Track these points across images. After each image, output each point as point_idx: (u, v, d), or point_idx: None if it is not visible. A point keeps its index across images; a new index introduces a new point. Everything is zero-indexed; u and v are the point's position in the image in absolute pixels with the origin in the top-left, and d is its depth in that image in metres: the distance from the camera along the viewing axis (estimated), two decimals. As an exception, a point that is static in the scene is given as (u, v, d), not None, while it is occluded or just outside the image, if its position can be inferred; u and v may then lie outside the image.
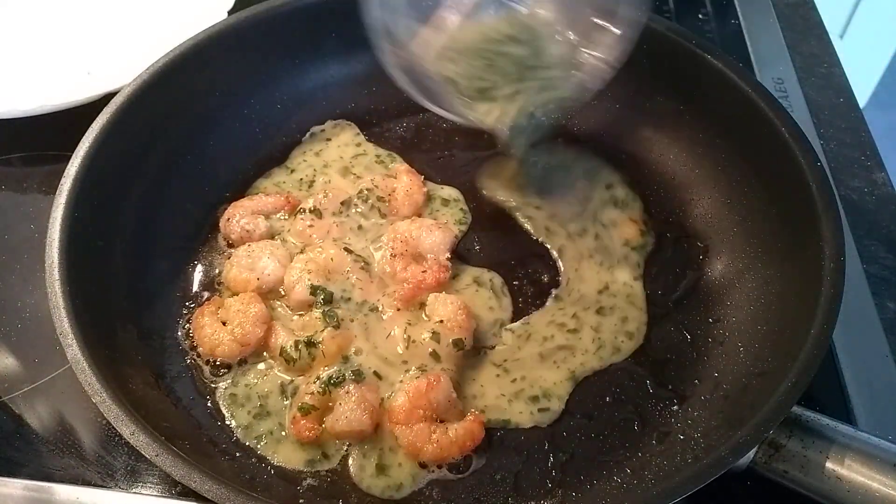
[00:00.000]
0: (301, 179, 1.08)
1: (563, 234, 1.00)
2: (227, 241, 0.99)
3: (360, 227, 0.99)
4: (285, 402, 0.84)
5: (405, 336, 0.86)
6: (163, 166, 0.99)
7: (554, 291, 0.95)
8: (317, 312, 0.88)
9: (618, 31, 0.88)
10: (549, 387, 0.86)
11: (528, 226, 1.02)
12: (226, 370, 0.87)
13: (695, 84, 1.02)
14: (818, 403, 0.73)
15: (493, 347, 0.89)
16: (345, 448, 0.80)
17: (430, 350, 0.85)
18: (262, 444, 0.81)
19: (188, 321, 0.91)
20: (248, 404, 0.84)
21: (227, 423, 0.82)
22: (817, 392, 0.72)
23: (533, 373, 0.87)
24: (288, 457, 0.80)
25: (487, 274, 0.96)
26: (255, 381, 0.86)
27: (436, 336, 0.85)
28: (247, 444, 0.81)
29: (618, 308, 0.93)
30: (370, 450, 0.80)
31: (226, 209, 1.01)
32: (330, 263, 0.92)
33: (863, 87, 2.52)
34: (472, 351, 0.88)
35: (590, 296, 0.94)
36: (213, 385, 0.86)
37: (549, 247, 0.99)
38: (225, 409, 0.84)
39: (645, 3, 0.90)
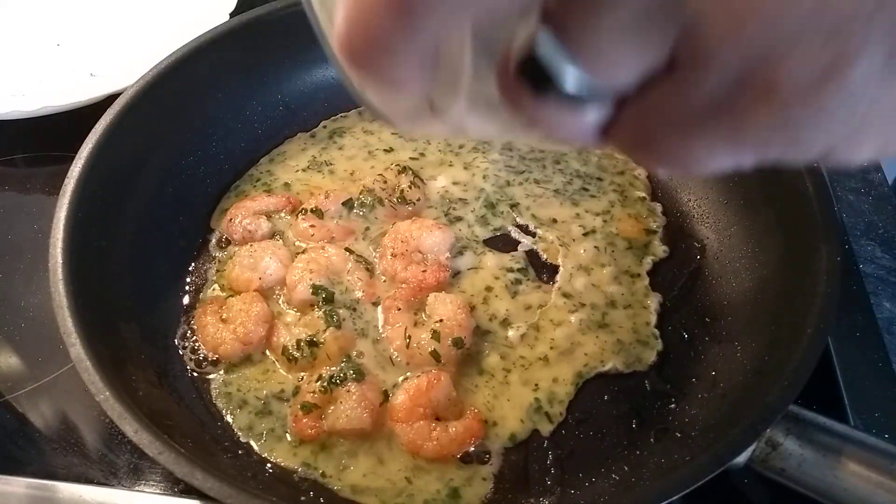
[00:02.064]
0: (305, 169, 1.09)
1: (567, 231, 1.01)
2: (230, 241, 1.00)
3: (363, 227, 1.00)
4: (287, 401, 0.84)
5: (406, 335, 0.87)
6: (165, 167, 1.00)
7: (559, 291, 0.94)
8: (318, 312, 0.89)
9: None
10: (555, 389, 0.85)
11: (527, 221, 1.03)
12: (228, 369, 0.87)
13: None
14: (815, 402, 0.73)
15: (498, 346, 0.89)
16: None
17: (430, 349, 0.85)
18: (262, 442, 0.81)
19: (191, 320, 0.92)
20: (250, 403, 0.84)
21: (229, 421, 0.83)
22: (814, 391, 0.72)
23: (537, 374, 0.87)
24: (288, 457, 0.80)
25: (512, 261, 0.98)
26: (257, 379, 0.86)
27: (436, 335, 0.86)
28: (248, 442, 0.81)
29: (626, 311, 0.93)
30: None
31: (228, 209, 1.02)
32: (331, 263, 0.93)
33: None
34: (475, 349, 0.89)
35: (598, 297, 0.94)
36: (214, 383, 0.86)
37: (552, 243, 1.00)
38: (226, 407, 0.84)
39: None
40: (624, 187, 1.07)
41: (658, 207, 1.05)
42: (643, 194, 1.06)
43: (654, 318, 0.92)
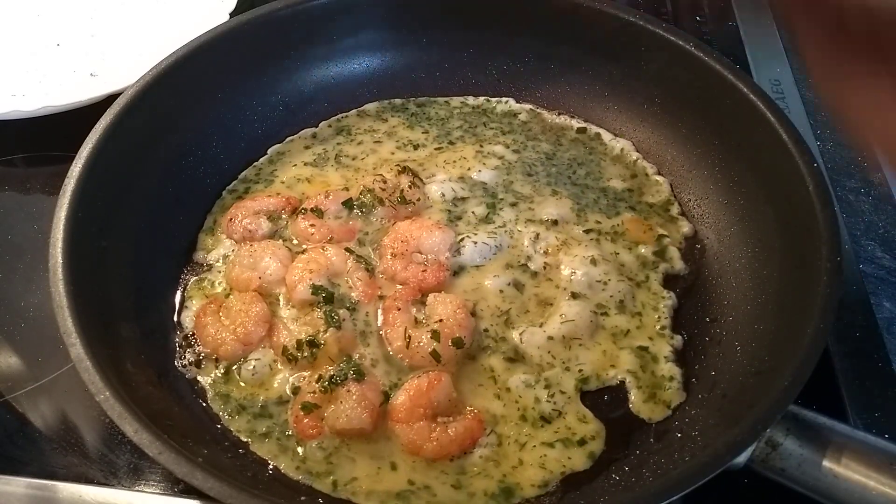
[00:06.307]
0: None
1: (570, 231, 1.01)
2: (231, 241, 0.99)
3: (363, 227, 1.00)
4: (287, 401, 0.84)
5: (406, 335, 0.87)
6: (165, 167, 1.00)
7: (564, 292, 0.94)
8: (318, 312, 0.89)
9: None
10: (556, 392, 0.85)
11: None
12: (227, 369, 0.87)
13: (692, 86, 1.03)
14: (815, 402, 0.73)
15: (500, 346, 0.89)
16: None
17: (430, 349, 0.85)
18: (264, 443, 0.81)
19: (191, 320, 0.91)
20: (249, 403, 0.84)
21: (228, 421, 0.83)
22: (814, 391, 0.72)
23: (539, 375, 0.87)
24: (290, 469, 0.79)
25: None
26: (257, 379, 0.86)
27: (436, 335, 0.86)
28: (248, 441, 0.81)
29: (633, 314, 0.92)
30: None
31: (228, 209, 1.02)
32: (331, 263, 0.93)
33: (861, 89, 2.52)
34: (475, 349, 0.88)
35: (603, 297, 0.93)
36: (214, 383, 0.86)
37: (555, 242, 1.00)
38: (226, 407, 0.84)
39: None
40: (641, 190, 1.06)
41: (682, 220, 1.03)
42: (663, 199, 1.05)
43: (667, 322, 0.92)
